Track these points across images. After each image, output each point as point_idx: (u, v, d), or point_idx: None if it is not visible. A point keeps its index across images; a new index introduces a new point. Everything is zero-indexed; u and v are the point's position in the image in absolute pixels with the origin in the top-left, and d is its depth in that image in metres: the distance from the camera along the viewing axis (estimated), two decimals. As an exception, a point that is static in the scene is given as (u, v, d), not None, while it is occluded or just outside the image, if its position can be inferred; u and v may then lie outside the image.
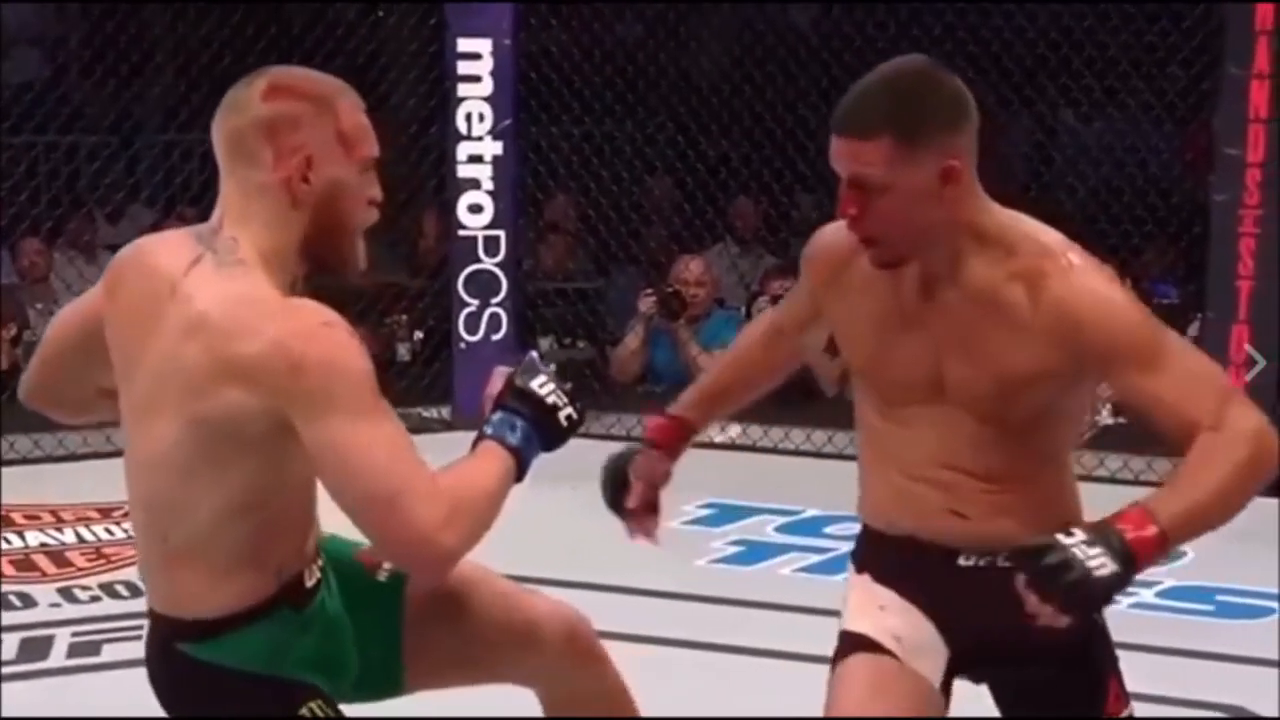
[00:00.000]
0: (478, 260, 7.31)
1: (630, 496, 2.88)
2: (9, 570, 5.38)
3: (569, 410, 2.35)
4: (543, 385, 2.34)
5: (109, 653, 4.53)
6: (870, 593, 2.62)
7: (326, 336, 2.16)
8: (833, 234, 2.60)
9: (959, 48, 7.75)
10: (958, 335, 2.45)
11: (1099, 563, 2.21)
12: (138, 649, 4.52)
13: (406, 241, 8.81)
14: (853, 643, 2.57)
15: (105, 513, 5.89)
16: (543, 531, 5.44)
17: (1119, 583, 2.22)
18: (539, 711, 2.76)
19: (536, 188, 7.94)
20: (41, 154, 8.50)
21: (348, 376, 2.16)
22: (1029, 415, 2.47)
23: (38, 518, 5.82)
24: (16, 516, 5.84)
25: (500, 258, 7.33)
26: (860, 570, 2.67)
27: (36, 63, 9.55)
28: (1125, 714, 2.62)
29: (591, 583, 5.11)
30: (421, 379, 7.58)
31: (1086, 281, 2.40)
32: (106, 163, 8.94)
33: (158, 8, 9.08)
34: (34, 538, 5.69)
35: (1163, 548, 2.26)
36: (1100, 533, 2.25)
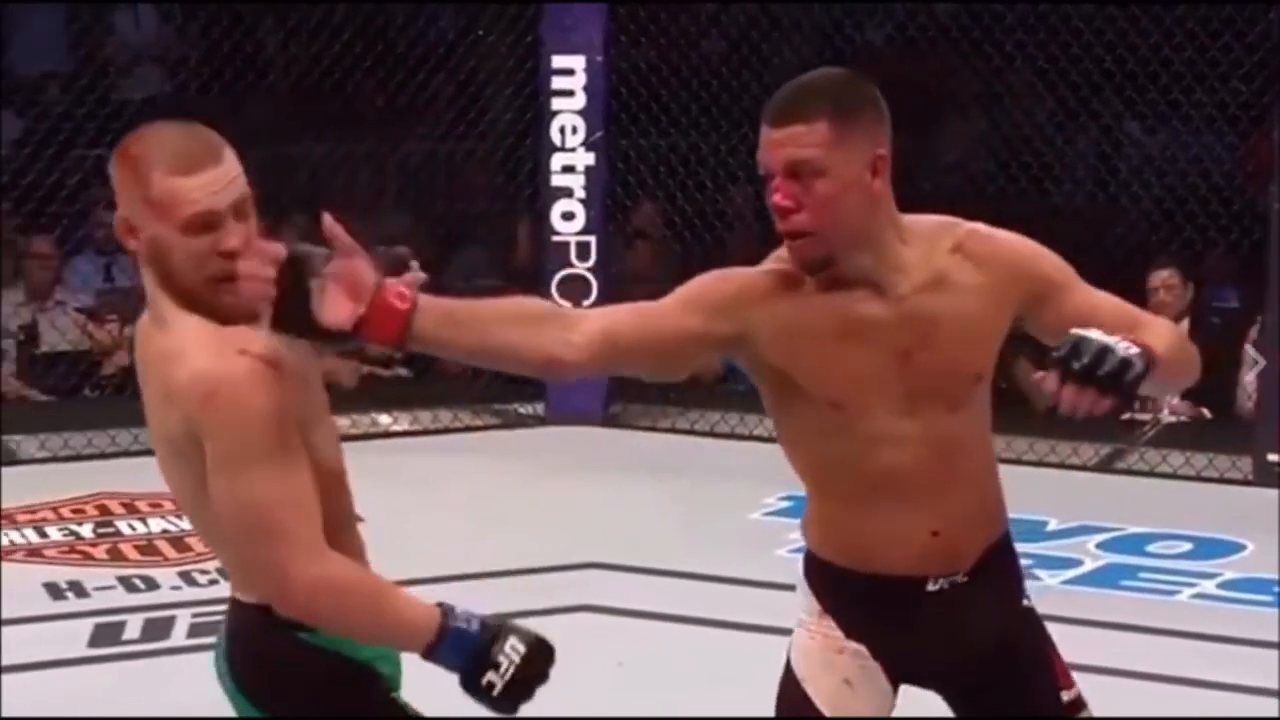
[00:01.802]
0: (570, 265, 7.33)
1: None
2: (133, 554, 5.45)
3: (495, 678, 2.21)
4: (511, 649, 2.23)
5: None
6: (836, 660, 2.51)
7: (229, 373, 2.13)
8: (758, 271, 2.43)
9: (1029, 62, 7.70)
10: (921, 328, 2.40)
11: (1126, 347, 2.21)
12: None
13: (503, 247, 8.84)
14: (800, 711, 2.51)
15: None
16: (632, 521, 5.46)
17: (1149, 369, 2.22)
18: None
19: (625, 196, 7.95)
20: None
21: (249, 415, 2.13)
22: (983, 389, 2.47)
23: (160, 505, 5.88)
24: (141, 505, 5.92)
25: (591, 262, 7.34)
26: (823, 605, 2.53)
27: (158, 79, 9.65)
28: (1074, 693, 2.58)
29: (677, 570, 5.13)
30: (516, 377, 7.59)
31: (1006, 233, 2.50)
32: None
33: (271, 28, 9.17)
34: (156, 524, 5.76)
35: (1159, 360, 2.27)
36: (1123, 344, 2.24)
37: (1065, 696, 2.55)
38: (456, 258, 8.76)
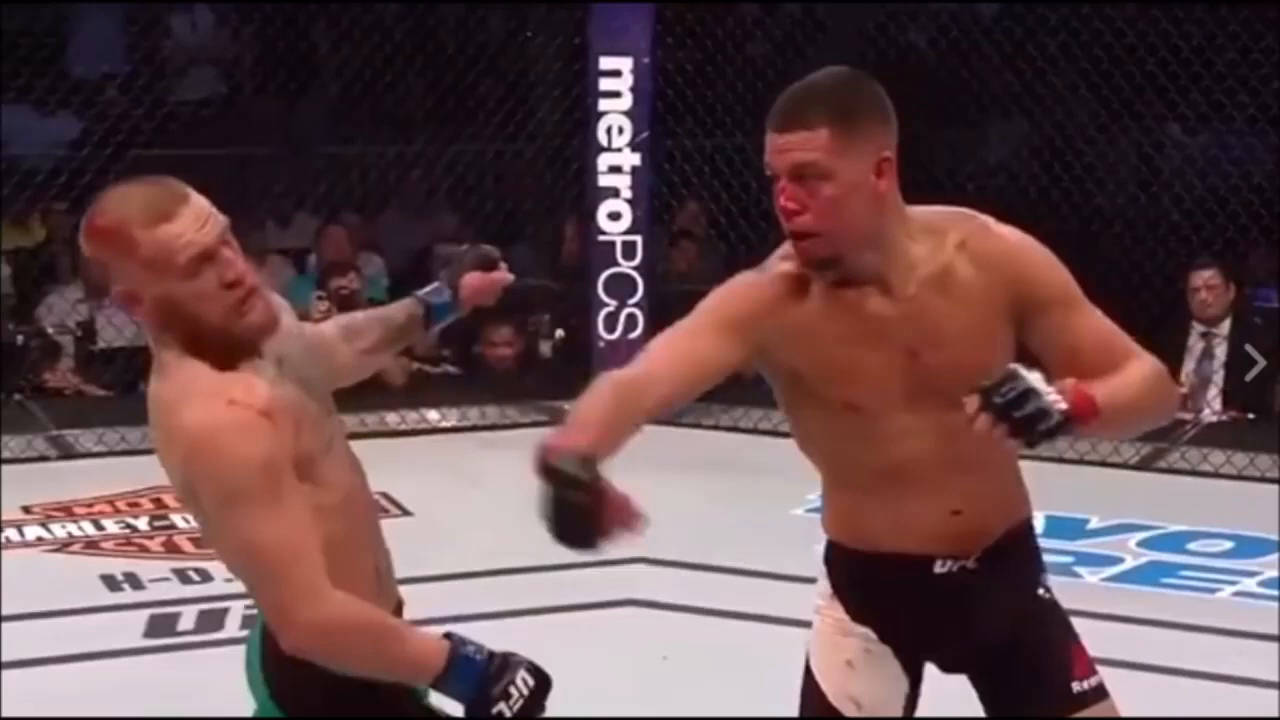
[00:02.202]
0: (616, 264, 7.34)
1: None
2: (188, 547, 5.48)
3: (506, 709, 2.22)
4: (521, 681, 2.25)
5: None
6: (840, 641, 2.54)
7: (221, 428, 2.12)
8: (767, 277, 2.43)
9: (1072, 64, 7.67)
10: (927, 326, 2.40)
11: (1056, 399, 2.23)
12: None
13: (550, 246, 8.86)
14: (814, 703, 2.54)
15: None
16: (677, 517, 5.46)
17: (1065, 425, 2.25)
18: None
19: (670, 196, 7.96)
20: (216, 165, 8.65)
21: (237, 466, 2.12)
22: None
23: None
24: (193, 498, 5.96)
25: (637, 261, 7.35)
26: (834, 586, 2.57)
27: (213, 81, 9.71)
28: (1097, 679, 2.55)
29: (721, 565, 5.13)
30: (563, 374, 7.62)
31: (1014, 231, 2.46)
32: (275, 173, 9.09)
33: (323, 31, 9.22)
34: (209, 517, 5.80)
35: (1095, 415, 2.29)
36: (1049, 379, 2.26)
37: (1077, 688, 2.52)
38: (505, 254, 8.77)
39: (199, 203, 2.19)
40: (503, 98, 8.29)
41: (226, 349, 2.20)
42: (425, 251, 8.49)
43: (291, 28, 8.48)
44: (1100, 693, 2.54)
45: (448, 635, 2.26)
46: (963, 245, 2.41)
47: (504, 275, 2.71)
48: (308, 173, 9.13)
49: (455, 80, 8.17)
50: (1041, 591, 2.59)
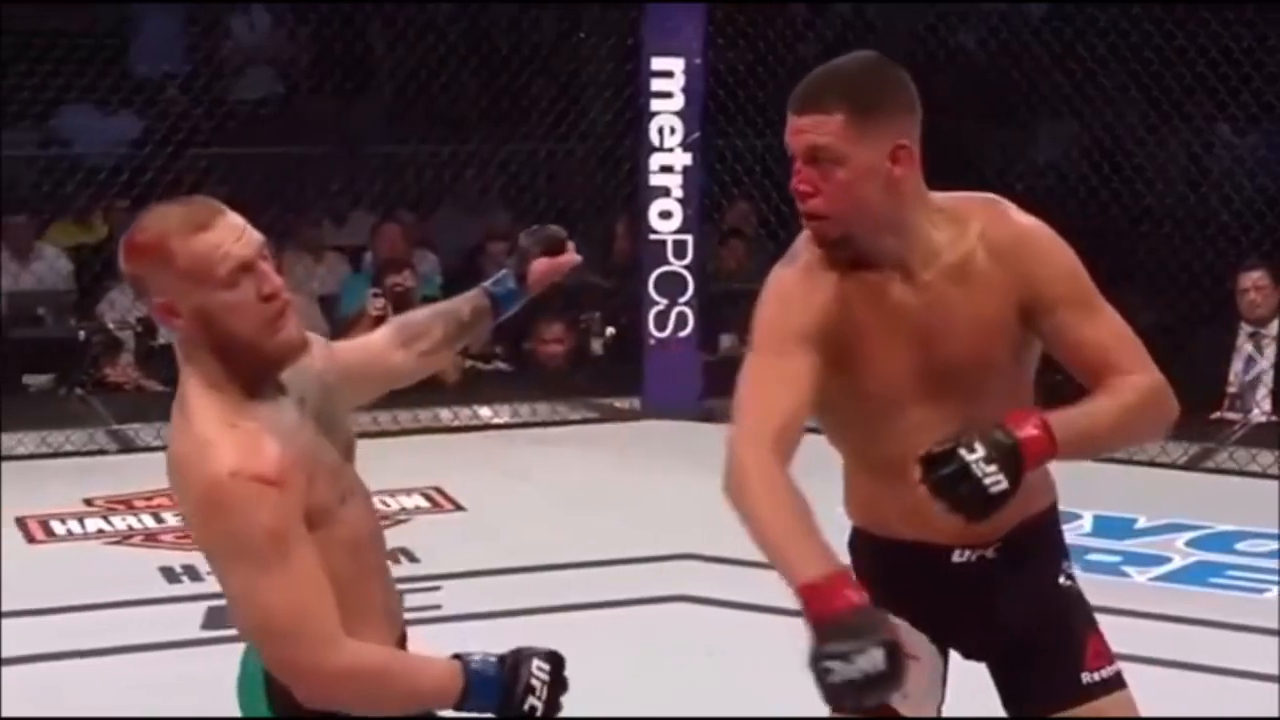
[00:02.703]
0: (667, 262, 7.34)
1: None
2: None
3: (536, 702, 2.23)
4: (538, 670, 2.26)
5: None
6: None
7: (225, 499, 2.11)
8: (801, 267, 2.42)
9: (1122, 65, 7.61)
10: (942, 315, 2.38)
11: (993, 480, 2.21)
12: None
13: (601, 245, 8.86)
14: None
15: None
16: (725, 513, 5.45)
17: (1008, 497, 2.23)
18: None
19: (721, 195, 7.95)
20: (274, 163, 8.69)
21: (244, 537, 2.11)
22: (1005, 381, 2.42)
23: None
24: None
25: (687, 260, 7.34)
26: (858, 573, 2.47)
27: (270, 80, 9.76)
28: (1110, 670, 2.53)
29: (768, 562, 5.11)
30: (613, 372, 7.63)
31: (1031, 219, 2.42)
32: (331, 171, 9.13)
33: (378, 32, 9.25)
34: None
35: (1050, 451, 2.28)
36: (1000, 450, 2.22)
37: (1086, 679, 2.50)
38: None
39: (235, 218, 2.19)
40: (555, 97, 8.29)
41: (254, 374, 2.19)
42: (478, 249, 8.51)
43: (347, 28, 8.52)
44: (1111, 685, 2.52)
45: (456, 656, 2.27)
46: (983, 234, 2.39)
47: (571, 257, 2.66)
48: (363, 171, 9.17)
49: (509, 80, 8.19)
50: (1063, 580, 2.56)
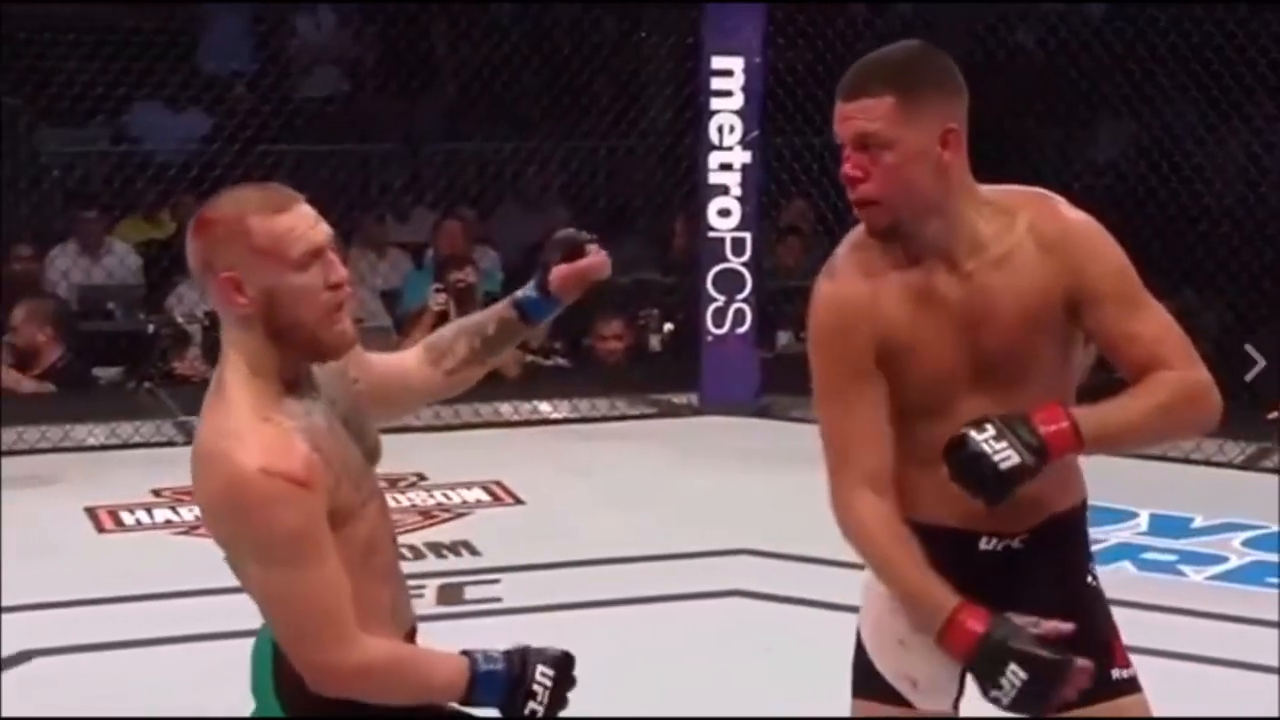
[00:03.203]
0: (725, 260, 7.33)
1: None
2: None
3: (537, 706, 2.27)
4: (541, 675, 2.29)
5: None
6: (889, 620, 2.49)
7: (253, 498, 2.12)
8: (843, 282, 2.43)
9: (1182, 65, 7.54)
10: (986, 309, 2.37)
11: (1003, 456, 2.26)
12: (421, 606, 4.62)
13: (660, 242, 8.86)
14: (869, 683, 2.52)
15: (392, 482, 6.03)
16: (783, 509, 5.44)
17: (1024, 473, 2.27)
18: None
19: (779, 193, 7.93)
20: (339, 160, 8.74)
21: (268, 536, 2.13)
22: (1052, 370, 2.40)
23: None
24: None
25: (745, 257, 7.33)
26: None
27: (335, 79, 9.81)
28: (1133, 671, 2.51)
29: (826, 558, 5.10)
30: (671, 368, 7.62)
31: (1080, 214, 2.41)
32: (395, 169, 9.17)
33: (442, 31, 9.29)
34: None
35: (1076, 444, 2.30)
36: (1011, 427, 2.27)
37: (1116, 674, 2.48)
38: (615, 251, 8.78)
39: (308, 207, 2.21)
40: (616, 96, 8.30)
41: (298, 365, 2.21)
42: (538, 246, 8.52)
43: (412, 28, 8.55)
44: (1135, 685, 2.51)
45: (464, 652, 2.29)
46: (1031, 227, 2.38)
47: (591, 261, 2.62)
48: (426, 169, 9.21)
49: (570, 79, 8.20)
50: (1090, 580, 2.54)
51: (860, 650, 2.55)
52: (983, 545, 2.46)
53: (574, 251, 2.61)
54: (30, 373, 6.98)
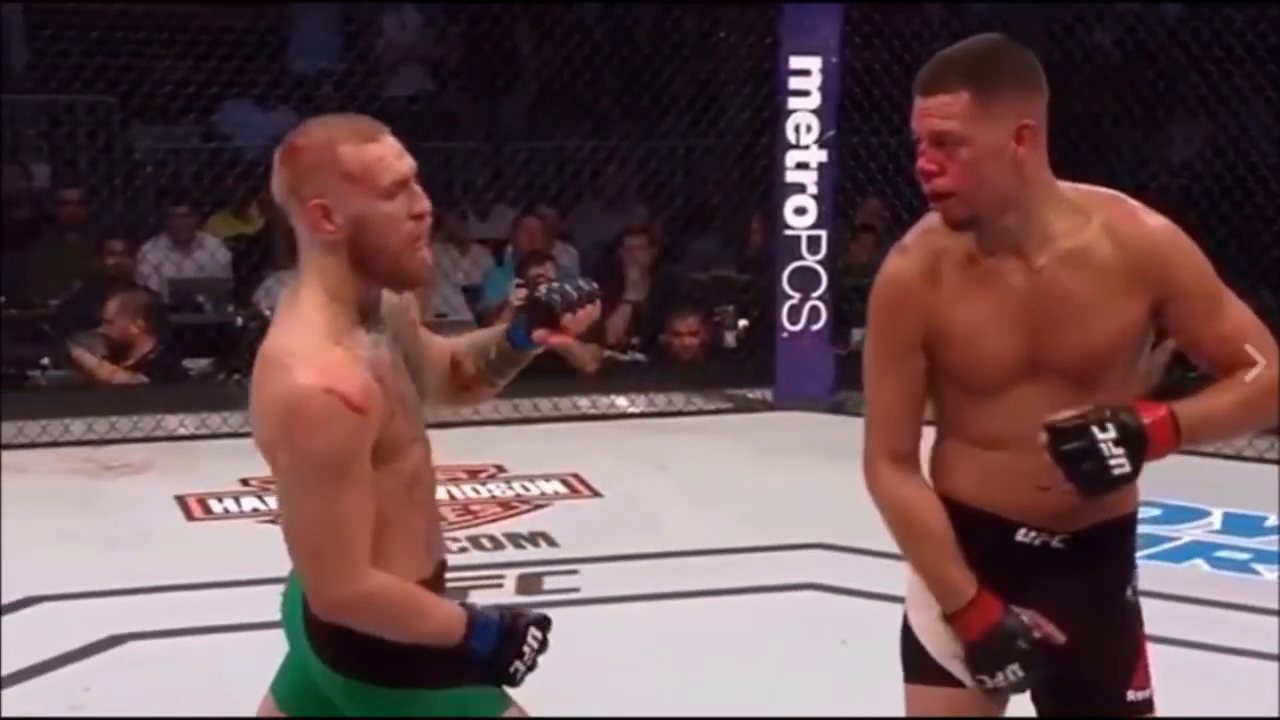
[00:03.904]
0: (800, 257, 7.31)
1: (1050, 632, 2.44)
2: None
3: (520, 666, 2.32)
4: (532, 638, 2.33)
5: (475, 598, 4.58)
6: (930, 599, 2.48)
7: (312, 410, 2.15)
8: (913, 259, 2.43)
9: (1258, 65, 7.45)
10: (1054, 304, 2.35)
11: (1118, 463, 2.25)
12: (500, 595, 4.66)
13: (736, 240, 8.85)
14: (921, 666, 2.51)
15: (473, 474, 6.07)
16: (857, 504, 5.43)
17: (1127, 482, 2.27)
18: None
19: (854, 191, 7.90)
20: (423, 158, 8.78)
21: (314, 451, 2.16)
22: (1115, 372, 2.38)
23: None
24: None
25: (821, 255, 7.31)
26: None
27: (421, 78, 9.87)
28: (1148, 693, 2.50)
29: (898, 552, 5.08)
30: (746, 364, 7.62)
31: (1159, 219, 2.39)
32: (477, 166, 9.21)
33: (525, 31, 9.31)
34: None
35: (1171, 448, 2.29)
36: (1128, 433, 2.25)
37: (1131, 696, 2.48)
38: (693, 247, 8.80)
39: (394, 138, 2.25)
40: (694, 95, 8.30)
41: (375, 294, 2.25)
42: (617, 242, 8.54)
43: (496, 28, 8.59)
44: (1148, 706, 2.50)
45: (464, 604, 2.33)
46: (1107, 227, 2.36)
47: (564, 341, 2.55)
48: (507, 166, 9.25)
49: (650, 78, 8.20)
50: (1128, 593, 2.52)
51: (909, 635, 2.54)
52: (1019, 536, 2.44)
53: (549, 320, 2.54)
54: (123, 364, 7.06)
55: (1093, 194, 2.42)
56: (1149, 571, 4.63)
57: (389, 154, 2.22)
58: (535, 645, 2.33)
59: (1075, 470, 2.25)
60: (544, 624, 2.36)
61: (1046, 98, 2.35)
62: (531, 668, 2.34)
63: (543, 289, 2.54)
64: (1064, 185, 2.41)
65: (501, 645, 2.30)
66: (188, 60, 8.09)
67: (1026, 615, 2.37)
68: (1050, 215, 2.36)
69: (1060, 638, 2.38)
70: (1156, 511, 5.30)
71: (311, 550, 2.21)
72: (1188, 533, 5.36)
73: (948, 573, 2.42)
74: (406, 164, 2.23)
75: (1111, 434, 2.24)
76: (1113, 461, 2.24)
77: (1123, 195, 2.43)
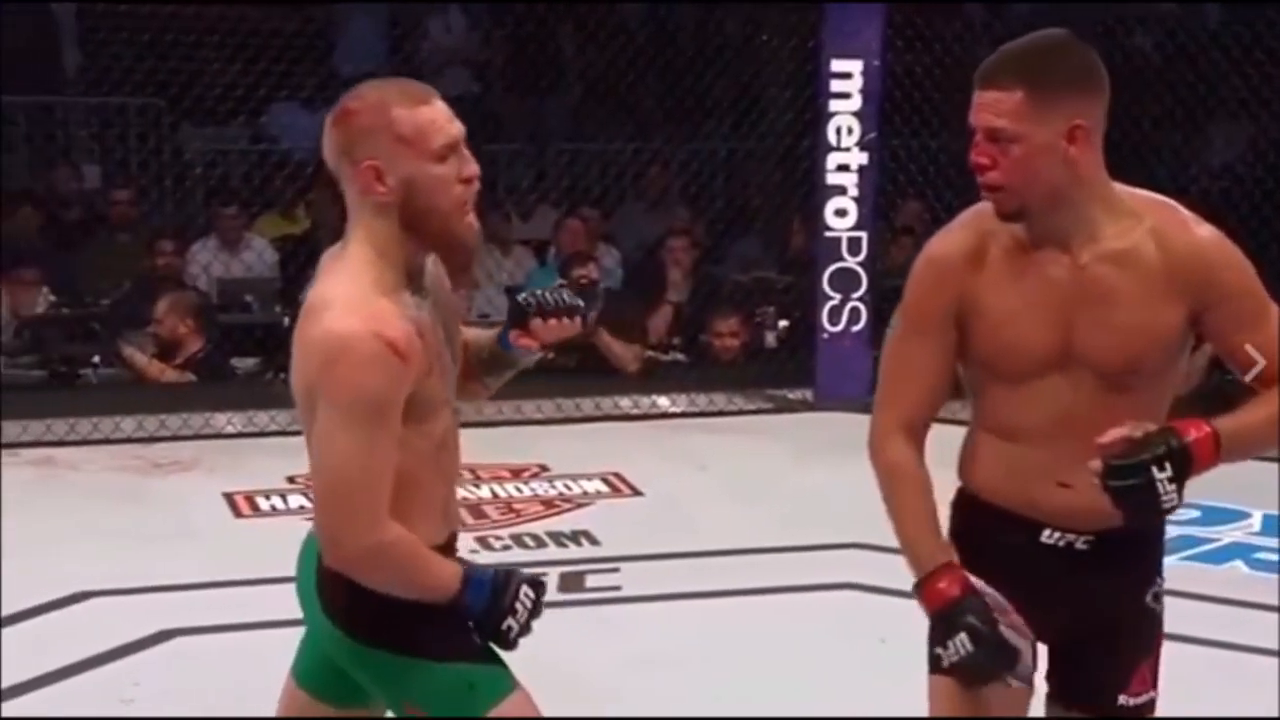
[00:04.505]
0: (841, 259, 7.30)
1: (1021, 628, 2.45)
2: (434, 518, 5.59)
3: (513, 624, 2.33)
4: (525, 596, 2.34)
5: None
6: None
7: (359, 351, 2.16)
8: (957, 239, 2.46)
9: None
10: (1093, 300, 2.36)
11: (1169, 497, 2.25)
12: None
13: (777, 241, 8.84)
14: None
15: (516, 473, 6.09)
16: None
17: (1174, 509, 2.27)
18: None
19: (895, 194, 7.89)
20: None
21: (356, 394, 2.17)
22: (1151, 375, 2.39)
23: (459, 474, 6.01)
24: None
25: (861, 257, 7.30)
26: (951, 532, 2.55)
27: (465, 80, 9.90)
28: (1145, 698, 2.51)
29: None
30: (787, 364, 7.61)
31: (1210, 230, 2.38)
32: (521, 168, 9.23)
33: (568, 34, 9.33)
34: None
35: (1214, 465, 2.30)
36: (1179, 464, 2.25)
37: (1124, 700, 2.50)
38: (734, 249, 8.80)
39: (443, 102, 2.28)
40: (736, 98, 8.30)
41: (421, 257, 2.27)
42: (659, 244, 8.56)
43: (540, 31, 8.60)
44: (1141, 712, 2.51)
45: (460, 560, 2.36)
46: (1156, 232, 2.37)
47: (529, 342, 2.55)
48: (551, 168, 9.27)
49: (692, 81, 8.21)
50: (1150, 599, 2.52)
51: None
52: (1045, 537, 2.45)
53: (523, 321, 2.54)
54: (172, 363, 7.11)
55: (1147, 199, 2.43)
56: (1188, 573, 4.64)
57: (440, 117, 2.25)
58: (528, 605, 2.34)
59: (1128, 504, 2.26)
60: (537, 585, 2.37)
61: (1106, 98, 2.36)
62: (525, 630, 2.34)
63: (525, 294, 2.56)
64: (1119, 187, 2.41)
65: (494, 602, 2.31)
66: (236, 63, 8.14)
67: (992, 598, 2.38)
68: (1101, 214, 2.37)
69: (1027, 634, 2.40)
70: (1196, 513, 5.27)
71: (339, 495, 2.22)
72: (1227, 534, 5.33)
73: (922, 540, 2.44)
74: (457, 128, 2.26)
75: (1169, 472, 2.25)
76: (1165, 497, 2.25)
77: (1177, 204, 2.43)
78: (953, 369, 2.47)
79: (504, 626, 2.32)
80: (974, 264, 2.42)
